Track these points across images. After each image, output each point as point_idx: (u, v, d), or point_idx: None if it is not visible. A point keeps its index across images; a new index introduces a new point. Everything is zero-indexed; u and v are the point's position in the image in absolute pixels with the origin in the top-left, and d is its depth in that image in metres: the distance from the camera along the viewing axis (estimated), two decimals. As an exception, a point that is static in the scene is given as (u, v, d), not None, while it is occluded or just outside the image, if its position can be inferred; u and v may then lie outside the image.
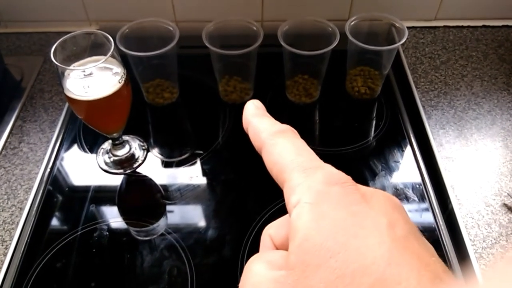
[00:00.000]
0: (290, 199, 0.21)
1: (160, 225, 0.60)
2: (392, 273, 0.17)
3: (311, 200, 0.20)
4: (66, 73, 0.53)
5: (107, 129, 0.59)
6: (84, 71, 0.52)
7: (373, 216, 0.19)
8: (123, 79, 0.53)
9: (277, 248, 0.23)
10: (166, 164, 0.67)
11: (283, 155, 0.23)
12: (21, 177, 0.65)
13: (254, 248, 0.56)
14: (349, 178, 0.21)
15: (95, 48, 0.55)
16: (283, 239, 0.23)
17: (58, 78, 0.53)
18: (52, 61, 0.50)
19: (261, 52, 0.70)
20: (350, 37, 0.66)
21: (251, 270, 0.21)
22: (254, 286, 0.20)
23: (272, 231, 0.24)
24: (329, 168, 0.22)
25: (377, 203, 0.20)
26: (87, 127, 0.61)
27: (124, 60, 0.63)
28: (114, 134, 0.62)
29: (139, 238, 0.58)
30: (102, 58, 0.51)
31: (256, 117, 0.25)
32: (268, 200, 0.60)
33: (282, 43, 0.65)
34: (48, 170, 0.66)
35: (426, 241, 0.20)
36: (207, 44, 0.65)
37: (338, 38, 0.65)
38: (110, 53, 0.50)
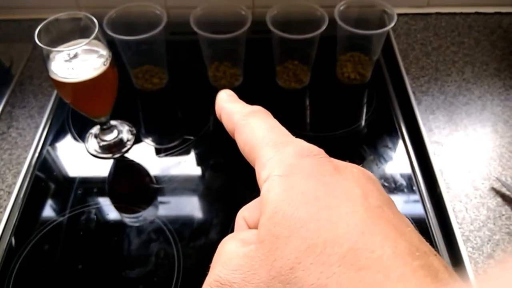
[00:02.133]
0: (261, 174, 0.20)
1: (148, 209, 0.60)
2: (366, 242, 0.16)
3: (281, 173, 0.19)
4: (51, 56, 0.53)
5: (94, 113, 0.59)
6: (69, 53, 0.52)
7: (346, 186, 0.19)
8: (108, 61, 0.53)
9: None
10: (155, 149, 0.67)
11: (254, 133, 0.22)
12: (10, 161, 0.65)
13: (241, 231, 0.56)
14: (321, 150, 0.21)
15: (83, 32, 0.54)
16: (256, 220, 0.22)
17: (43, 60, 0.52)
18: (36, 43, 0.50)
19: (252, 38, 0.70)
20: (339, 22, 0.66)
21: (223, 248, 0.21)
22: (225, 263, 0.19)
23: (246, 213, 0.23)
24: (301, 142, 0.21)
25: (350, 175, 0.20)
26: (75, 112, 0.61)
27: (113, 46, 0.63)
28: (102, 118, 0.61)
29: (126, 221, 0.58)
30: (87, 40, 0.50)
31: (228, 102, 0.25)
32: (255, 184, 0.60)
33: (271, 28, 0.65)
34: (37, 154, 0.66)
35: (401, 213, 0.20)
36: (195, 29, 0.64)
37: (326, 22, 0.65)
38: (94, 35, 0.50)
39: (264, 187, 0.20)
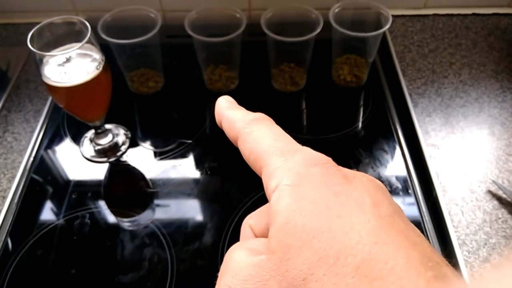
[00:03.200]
0: (269, 183, 0.20)
1: (143, 213, 0.60)
2: (379, 253, 0.16)
3: (291, 182, 0.19)
4: (44, 60, 0.53)
5: (88, 117, 0.59)
6: (62, 58, 0.52)
7: (357, 196, 0.18)
8: (101, 65, 0.53)
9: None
10: (151, 153, 0.67)
11: (260, 142, 0.22)
12: (5, 166, 0.65)
13: (235, 236, 0.55)
14: (329, 159, 0.20)
15: (77, 36, 0.54)
16: (263, 228, 0.22)
17: (36, 65, 0.52)
18: (28, 47, 0.50)
19: (248, 41, 0.70)
20: (334, 24, 0.65)
21: (231, 257, 0.20)
22: (234, 273, 0.19)
23: (252, 221, 0.23)
24: (308, 150, 0.21)
25: (359, 184, 0.19)
26: (71, 116, 0.61)
27: (108, 50, 0.63)
28: (96, 122, 0.61)
29: (120, 225, 0.58)
30: (79, 44, 0.50)
31: (229, 109, 0.25)
32: (250, 188, 0.60)
33: (266, 30, 0.65)
34: (32, 159, 0.66)
35: (411, 223, 0.19)
36: (190, 32, 0.64)
37: (321, 24, 0.65)
38: (86, 39, 0.50)
39: (273, 197, 0.19)
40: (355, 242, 0.16)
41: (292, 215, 0.18)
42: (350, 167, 0.64)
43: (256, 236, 0.23)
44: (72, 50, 0.50)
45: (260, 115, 0.24)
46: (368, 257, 0.16)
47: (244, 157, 0.23)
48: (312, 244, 0.17)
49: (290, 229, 0.18)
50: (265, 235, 0.22)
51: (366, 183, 0.20)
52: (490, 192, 0.60)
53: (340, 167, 0.20)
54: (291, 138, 0.22)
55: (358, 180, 0.20)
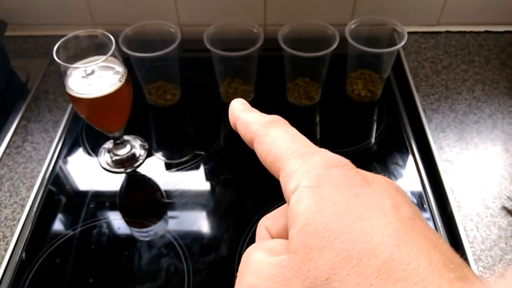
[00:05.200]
0: (288, 185, 0.20)
1: (159, 223, 0.60)
2: (401, 254, 0.16)
3: (310, 184, 0.19)
4: (68, 72, 0.54)
5: (108, 128, 0.60)
6: (85, 70, 0.53)
7: (377, 198, 0.18)
8: (124, 78, 0.54)
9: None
10: (167, 164, 0.68)
11: (277, 143, 0.22)
12: (24, 175, 0.66)
13: (251, 247, 0.56)
14: (348, 161, 0.20)
15: (99, 49, 0.56)
16: (279, 229, 0.22)
17: (60, 76, 0.54)
18: (54, 59, 0.51)
19: (263, 56, 0.71)
20: (349, 40, 0.67)
21: (250, 258, 0.20)
22: (255, 272, 0.19)
23: (268, 223, 0.23)
24: (327, 152, 0.21)
25: (379, 186, 0.19)
26: (89, 127, 0.62)
27: (128, 62, 0.64)
28: (115, 133, 0.62)
29: (137, 236, 0.59)
30: (104, 57, 0.52)
31: (243, 112, 0.25)
32: (265, 200, 0.61)
33: (282, 45, 0.66)
34: (50, 168, 0.67)
35: (430, 226, 0.19)
36: (208, 46, 0.66)
37: (337, 40, 0.66)
38: (111, 52, 0.51)
39: (292, 198, 0.19)
40: (378, 243, 0.16)
41: (313, 216, 0.18)
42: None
43: (272, 237, 0.23)
44: (98, 62, 0.51)
45: (275, 117, 0.24)
46: (390, 258, 0.16)
47: (260, 159, 0.23)
48: (334, 245, 0.17)
49: (311, 230, 0.18)
50: (281, 236, 0.22)
51: (386, 185, 0.20)
52: (505, 208, 0.60)
53: (359, 170, 0.20)
54: (308, 140, 0.22)
55: (377, 183, 0.20)
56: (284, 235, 0.22)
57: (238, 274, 0.20)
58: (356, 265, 0.16)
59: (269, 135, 0.22)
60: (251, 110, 0.25)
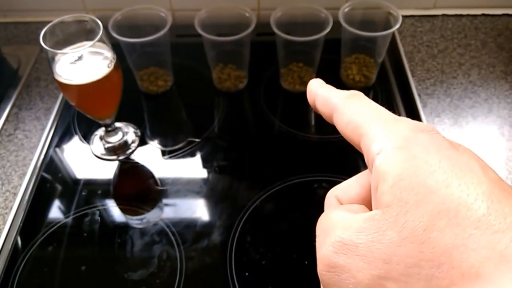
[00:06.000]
0: (372, 147, 0.20)
1: (152, 210, 0.60)
2: (496, 209, 0.17)
3: (399, 145, 0.19)
4: (56, 58, 0.53)
5: (98, 115, 0.60)
6: (74, 56, 0.53)
7: (465, 161, 0.19)
8: (113, 63, 0.53)
9: None
10: (160, 151, 0.67)
11: (359, 112, 0.22)
12: (16, 163, 0.66)
13: (244, 235, 0.56)
14: (434, 127, 0.21)
15: (89, 34, 0.55)
16: (351, 197, 0.23)
17: (48, 62, 0.53)
18: (41, 45, 0.50)
19: (257, 41, 0.70)
20: (343, 24, 0.66)
21: (332, 217, 0.21)
22: (344, 227, 0.19)
23: (338, 192, 0.24)
24: (411, 120, 0.21)
25: (465, 151, 0.20)
26: (81, 114, 0.61)
27: (118, 48, 0.63)
28: (107, 120, 0.62)
29: (130, 223, 0.59)
30: (91, 42, 0.51)
31: (322, 88, 0.25)
32: (259, 187, 0.60)
33: (275, 30, 0.65)
34: (42, 156, 0.66)
35: None
36: (199, 31, 0.65)
37: (331, 24, 0.65)
38: (98, 37, 0.50)
39: (378, 159, 0.20)
40: (473, 198, 0.17)
41: (406, 172, 0.18)
42: (359, 167, 0.64)
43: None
44: (85, 48, 0.50)
45: (356, 92, 0.24)
46: (487, 213, 0.17)
47: (340, 129, 0.23)
48: (431, 198, 0.17)
49: (405, 185, 0.18)
50: (354, 202, 0.23)
51: (470, 151, 0.20)
52: (499, 193, 0.60)
53: (444, 136, 0.21)
54: (389, 111, 0.23)
55: (463, 148, 0.20)
56: (357, 202, 0.23)
57: (321, 233, 0.21)
58: (454, 217, 0.17)
59: (351, 106, 0.23)
60: (329, 87, 0.26)
